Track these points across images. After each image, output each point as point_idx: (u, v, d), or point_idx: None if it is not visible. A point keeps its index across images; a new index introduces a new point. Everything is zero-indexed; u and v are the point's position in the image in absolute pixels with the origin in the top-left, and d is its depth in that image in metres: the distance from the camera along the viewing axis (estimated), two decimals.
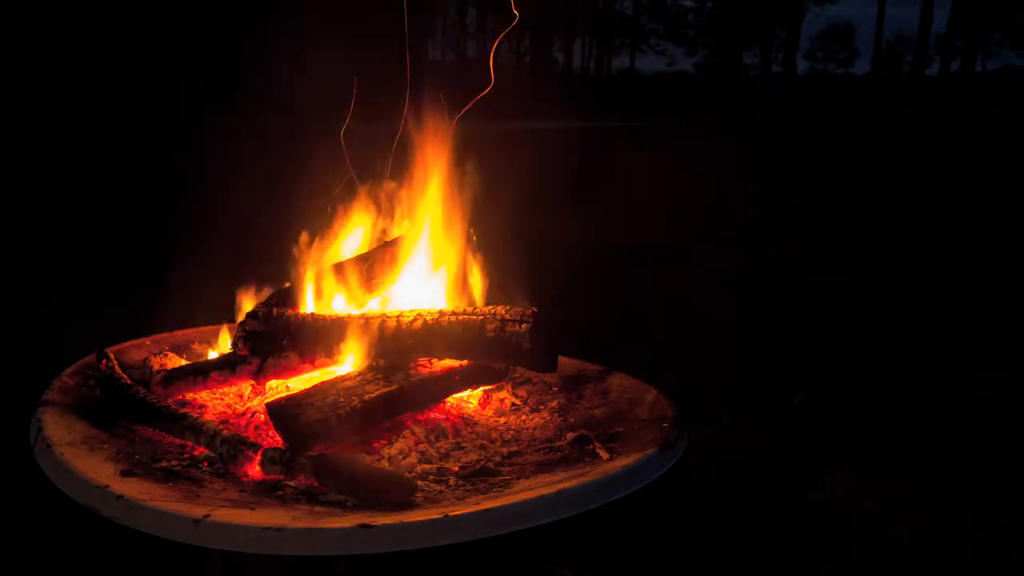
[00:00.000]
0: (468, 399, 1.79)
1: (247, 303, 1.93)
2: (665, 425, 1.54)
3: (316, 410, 1.45)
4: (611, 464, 1.40)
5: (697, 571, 2.03)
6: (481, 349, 1.61)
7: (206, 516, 1.19)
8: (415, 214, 1.96)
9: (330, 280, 1.89)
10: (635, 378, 1.84)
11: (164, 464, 1.44)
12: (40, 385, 1.69)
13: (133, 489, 1.28)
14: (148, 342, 2.04)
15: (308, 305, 1.89)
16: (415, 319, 1.66)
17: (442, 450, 1.54)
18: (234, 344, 1.85)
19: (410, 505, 1.28)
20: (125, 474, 1.35)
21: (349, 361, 1.71)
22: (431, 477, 1.42)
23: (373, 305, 1.93)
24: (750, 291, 4.54)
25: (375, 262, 1.91)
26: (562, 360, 1.71)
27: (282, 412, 1.45)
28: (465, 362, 1.70)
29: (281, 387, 1.77)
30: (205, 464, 1.46)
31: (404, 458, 1.48)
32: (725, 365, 3.33)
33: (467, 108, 1.88)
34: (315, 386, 1.57)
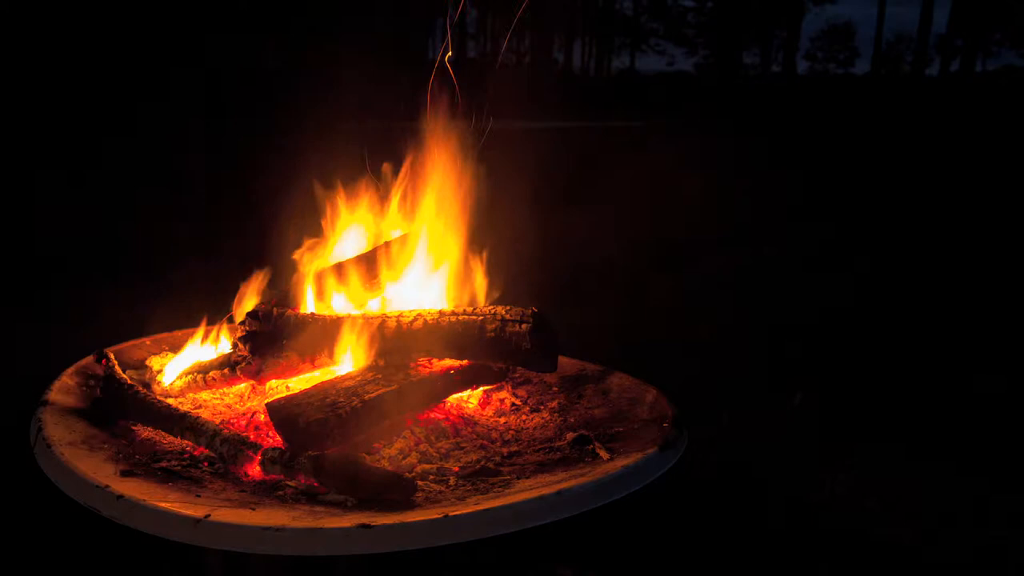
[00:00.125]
0: (468, 399, 1.79)
1: (247, 303, 1.93)
2: (665, 425, 1.54)
3: (316, 410, 1.45)
4: (611, 464, 1.40)
5: (697, 571, 2.03)
6: (481, 349, 1.61)
7: (206, 516, 1.19)
8: (415, 213, 1.96)
9: (330, 280, 1.89)
10: (635, 378, 1.84)
11: (164, 464, 1.44)
12: (40, 385, 1.70)
13: (133, 489, 1.28)
14: (148, 342, 2.04)
15: (308, 305, 1.89)
16: (415, 319, 1.66)
17: (442, 450, 1.54)
18: (234, 344, 1.85)
19: (410, 505, 1.28)
20: (125, 474, 1.35)
21: (349, 361, 1.70)
22: (431, 477, 1.42)
23: (373, 305, 1.93)
24: (750, 290, 4.54)
25: (377, 260, 1.91)
26: (562, 360, 1.71)
27: (282, 412, 1.45)
28: (465, 362, 1.70)
29: (281, 387, 1.77)
30: (205, 464, 1.46)
31: (404, 458, 1.48)
32: (725, 365, 3.34)
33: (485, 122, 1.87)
34: (315, 386, 1.57)
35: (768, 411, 2.94)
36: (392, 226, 2.00)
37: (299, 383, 1.76)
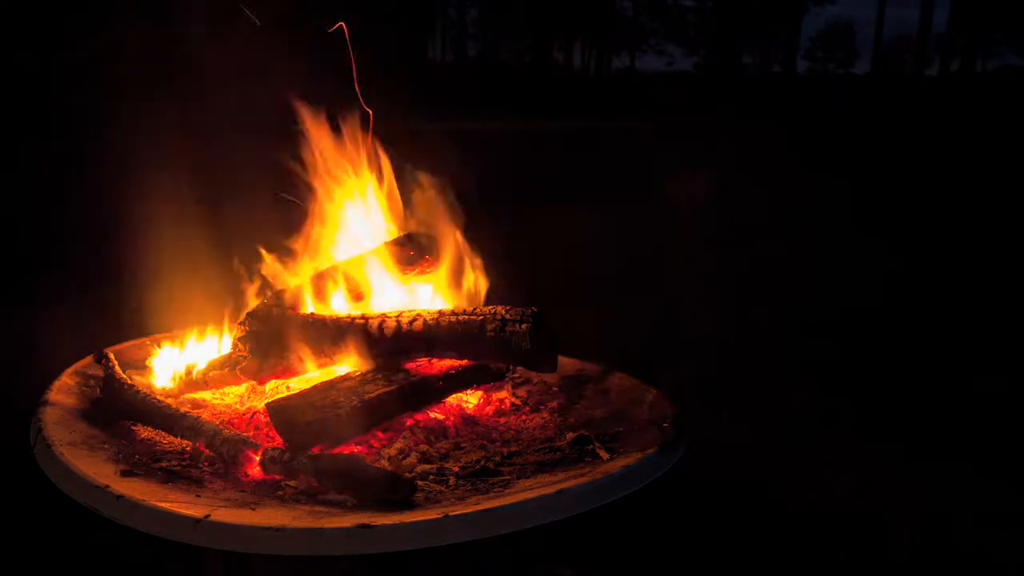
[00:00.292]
0: (468, 399, 1.79)
1: (247, 303, 1.93)
2: (665, 425, 1.54)
3: (316, 410, 1.45)
4: (611, 464, 1.40)
5: (697, 571, 2.03)
6: (481, 349, 1.61)
7: (206, 516, 1.19)
8: (415, 214, 1.96)
9: (331, 280, 1.88)
10: (635, 378, 1.84)
11: (164, 464, 1.44)
12: (40, 385, 1.70)
13: (133, 489, 1.28)
14: (148, 342, 2.04)
15: (308, 305, 1.89)
16: (415, 319, 1.66)
17: (442, 450, 1.54)
18: (234, 344, 1.85)
19: (410, 505, 1.28)
20: (125, 474, 1.35)
21: (349, 361, 1.70)
22: (431, 477, 1.42)
23: (374, 305, 1.93)
24: (749, 291, 4.54)
25: (371, 264, 1.91)
26: (562, 360, 1.71)
27: (282, 412, 1.45)
28: (465, 362, 1.70)
29: (281, 387, 1.77)
30: (205, 464, 1.46)
31: (404, 458, 1.48)
32: (725, 365, 3.34)
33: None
34: (315, 386, 1.57)
35: (768, 411, 2.94)
36: (390, 226, 2.00)
37: (299, 383, 1.76)
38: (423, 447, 1.52)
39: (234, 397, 1.78)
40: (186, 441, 1.54)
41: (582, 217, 5.65)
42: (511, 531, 1.22)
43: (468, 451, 1.55)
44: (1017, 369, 3.41)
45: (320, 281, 1.89)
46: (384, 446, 1.52)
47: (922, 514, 2.27)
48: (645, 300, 4.17)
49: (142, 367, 1.91)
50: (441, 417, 1.66)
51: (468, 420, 1.69)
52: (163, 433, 1.58)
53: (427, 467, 1.45)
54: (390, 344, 1.66)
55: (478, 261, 1.89)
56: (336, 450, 1.47)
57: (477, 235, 1.91)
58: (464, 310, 1.65)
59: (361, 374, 1.62)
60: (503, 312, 1.59)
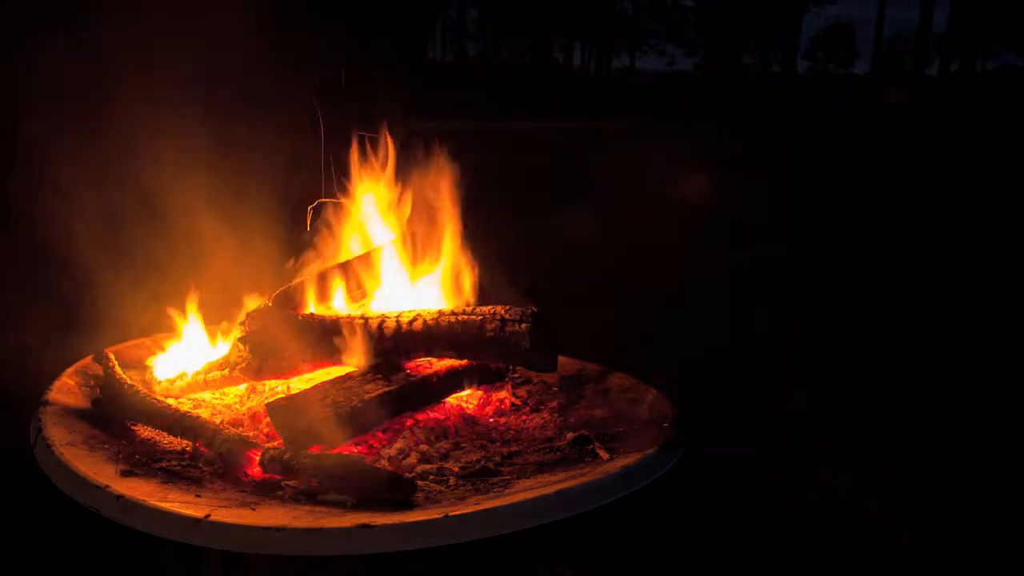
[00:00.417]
0: (468, 399, 1.78)
1: (247, 303, 1.93)
2: (665, 425, 1.54)
3: (316, 410, 1.45)
4: (611, 464, 1.40)
5: (697, 571, 2.03)
6: (481, 349, 1.61)
7: (206, 516, 1.19)
8: (408, 216, 1.96)
9: (331, 280, 1.89)
10: (635, 378, 1.83)
11: (164, 464, 1.44)
12: (40, 385, 1.69)
13: (133, 489, 1.28)
14: (148, 342, 2.04)
15: (308, 305, 1.89)
16: (415, 319, 1.66)
17: (442, 450, 1.54)
18: (234, 344, 1.85)
19: (410, 505, 1.28)
20: (125, 474, 1.35)
21: (349, 361, 1.70)
22: (431, 477, 1.42)
23: (373, 305, 1.93)
24: (750, 290, 4.54)
25: (361, 267, 1.91)
26: (562, 360, 1.71)
27: (282, 412, 1.45)
28: (465, 362, 1.70)
29: (281, 387, 1.77)
30: (205, 464, 1.46)
31: (404, 458, 1.48)
32: (725, 365, 3.34)
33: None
34: (315, 386, 1.57)
35: (768, 411, 2.94)
36: (389, 226, 2.01)
37: (299, 383, 1.76)
38: (423, 447, 1.52)
39: (234, 397, 1.78)
40: (186, 441, 1.54)
41: (582, 217, 5.65)
42: (511, 531, 1.22)
43: (468, 451, 1.55)
44: (1017, 369, 3.41)
45: (320, 281, 1.89)
46: (384, 446, 1.52)
47: (922, 514, 2.27)
48: (645, 300, 4.18)
49: (142, 367, 1.91)
50: (441, 417, 1.66)
51: (468, 420, 1.69)
52: (163, 433, 1.58)
53: (427, 467, 1.45)
54: (390, 344, 1.66)
55: (478, 261, 1.89)
56: (336, 450, 1.47)
57: (477, 235, 1.91)
58: (464, 310, 1.65)
59: (361, 374, 1.62)
60: (503, 312, 1.59)
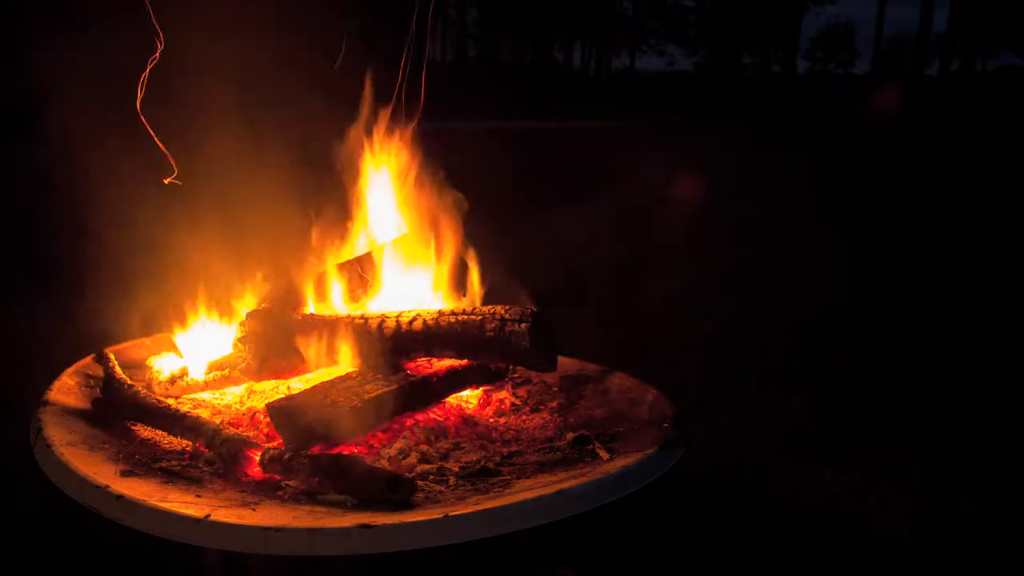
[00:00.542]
0: (468, 399, 1.79)
1: (248, 304, 1.93)
2: (665, 425, 1.54)
3: (316, 410, 1.45)
4: (611, 464, 1.40)
5: (697, 571, 2.03)
6: (481, 349, 1.61)
7: (206, 516, 1.19)
8: (409, 215, 1.96)
9: (330, 280, 1.89)
10: (635, 378, 1.83)
11: (164, 464, 1.44)
12: (40, 385, 1.69)
13: (133, 489, 1.28)
14: (148, 342, 2.04)
15: (308, 305, 1.89)
16: (415, 319, 1.66)
17: (442, 450, 1.54)
18: (234, 344, 1.85)
19: (410, 505, 1.28)
20: (125, 474, 1.35)
21: (349, 361, 1.70)
22: (431, 477, 1.42)
23: (373, 305, 1.93)
24: (749, 290, 4.54)
25: (374, 263, 1.91)
26: (562, 360, 1.71)
27: (282, 412, 1.45)
28: (465, 362, 1.70)
29: (281, 387, 1.77)
30: (205, 464, 1.46)
31: (404, 458, 1.48)
32: (725, 365, 3.34)
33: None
34: (315, 386, 1.57)
35: (768, 411, 2.94)
36: (389, 227, 2.01)
37: (299, 383, 1.76)
38: (423, 447, 1.52)
39: (234, 397, 1.78)
40: (186, 441, 1.54)
41: (582, 216, 5.65)
42: (511, 531, 1.22)
43: (468, 451, 1.55)
44: (1017, 369, 3.41)
45: (320, 281, 1.89)
46: (384, 446, 1.52)
47: (922, 514, 2.27)
48: (645, 300, 4.18)
49: (142, 367, 1.91)
50: (441, 417, 1.66)
51: (468, 420, 1.69)
52: (163, 433, 1.58)
53: (427, 467, 1.45)
54: (390, 344, 1.66)
55: (478, 261, 1.89)
56: (336, 450, 1.47)
57: (477, 234, 1.91)
58: (463, 310, 1.65)
59: (361, 374, 1.62)
60: (502, 312, 1.59)
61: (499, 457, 1.53)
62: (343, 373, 1.66)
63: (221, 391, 1.81)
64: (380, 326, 1.68)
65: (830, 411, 2.95)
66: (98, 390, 1.70)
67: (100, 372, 1.75)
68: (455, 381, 1.72)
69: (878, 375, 3.33)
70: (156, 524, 1.21)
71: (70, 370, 1.79)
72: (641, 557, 2.03)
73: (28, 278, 3.79)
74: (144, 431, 1.60)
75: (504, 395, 1.82)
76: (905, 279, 4.87)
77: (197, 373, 1.84)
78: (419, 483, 1.37)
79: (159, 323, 2.14)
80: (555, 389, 1.88)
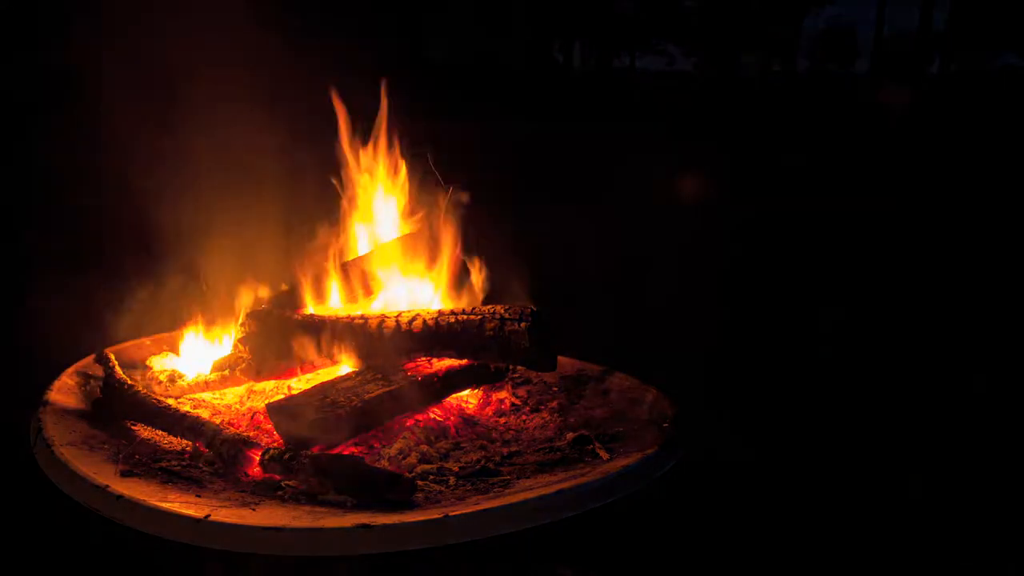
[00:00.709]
0: (468, 399, 1.79)
1: (248, 304, 1.93)
2: (665, 425, 1.54)
3: (316, 410, 1.45)
4: (611, 464, 1.40)
5: (697, 571, 2.03)
6: (481, 348, 1.61)
7: (206, 516, 1.19)
8: (410, 216, 1.97)
9: (330, 281, 1.89)
10: (635, 378, 1.84)
11: (164, 464, 1.44)
12: (40, 385, 1.70)
13: (133, 489, 1.28)
14: (148, 342, 2.04)
15: (308, 306, 1.89)
16: (415, 319, 1.66)
17: (442, 450, 1.54)
18: (234, 344, 1.85)
19: (410, 505, 1.28)
20: (125, 474, 1.35)
21: (349, 361, 1.70)
22: (431, 477, 1.42)
23: (372, 305, 1.93)
24: (749, 290, 4.54)
25: (372, 264, 1.91)
26: (562, 360, 1.71)
27: (282, 412, 1.46)
28: (465, 362, 1.70)
29: (281, 387, 1.77)
30: (205, 464, 1.46)
31: (404, 458, 1.48)
32: (725, 365, 3.34)
33: None
34: (315, 386, 1.57)
35: (768, 411, 2.94)
36: (390, 228, 2.01)
37: (299, 383, 1.77)
38: (423, 447, 1.52)
39: (234, 397, 1.78)
40: (186, 441, 1.54)
41: (582, 216, 5.65)
42: (511, 531, 1.22)
43: (468, 451, 1.55)
44: (1017, 368, 3.41)
45: (320, 282, 1.89)
46: (384, 446, 1.52)
47: (922, 514, 2.27)
48: (645, 300, 4.18)
49: (142, 367, 1.91)
50: (441, 417, 1.66)
51: (468, 420, 1.69)
52: (163, 433, 1.58)
53: (427, 467, 1.45)
54: (389, 344, 1.66)
55: (478, 261, 1.89)
56: (336, 450, 1.47)
57: (476, 234, 1.91)
58: (463, 310, 1.65)
59: (361, 374, 1.62)
60: (502, 312, 1.59)
61: (499, 457, 1.53)
62: (343, 373, 1.67)
63: (221, 391, 1.81)
64: (380, 326, 1.68)
65: (830, 410, 2.95)
66: (98, 390, 1.71)
67: (100, 372, 1.75)
68: (455, 381, 1.72)
69: (879, 374, 3.33)
70: (156, 524, 1.21)
71: (70, 370, 1.79)
72: (641, 557, 2.03)
73: (29, 277, 3.79)
74: (144, 431, 1.60)
75: (504, 395, 1.82)
76: (905, 278, 4.87)
77: (197, 373, 1.84)
78: (419, 483, 1.37)
79: (159, 323, 2.14)
80: (555, 389, 1.88)
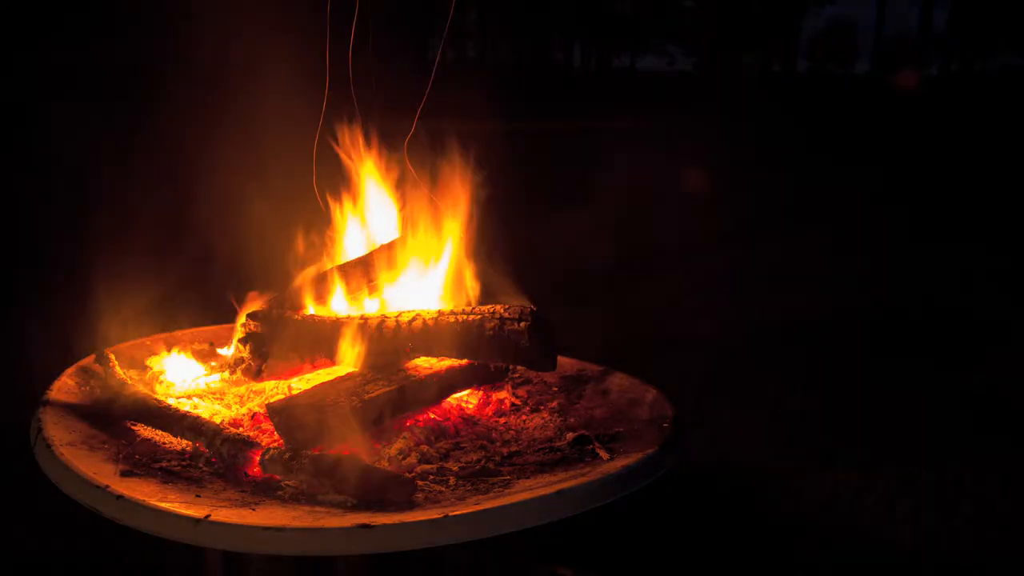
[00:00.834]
0: (468, 399, 1.79)
1: (248, 304, 1.93)
2: (665, 425, 1.54)
3: (316, 410, 1.45)
4: (611, 464, 1.40)
5: (697, 571, 2.03)
6: (480, 348, 1.61)
7: (206, 516, 1.19)
8: (412, 215, 1.96)
9: (330, 281, 1.89)
10: (635, 378, 1.84)
11: (164, 464, 1.44)
12: (40, 385, 1.70)
13: (133, 489, 1.28)
14: (148, 342, 2.04)
15: (308, 306, 1.89)
16: (414, 319, 1.66)
17: (442, 450, 1.54)
18: (235, 345, 1.85)
19: (410, 505, 1.28)
20: (125, 474, 1.35)
21: (349, 361, 1.70)
22: (431, 477, 1.42)
23: (372, 306, 1.93)
24: (750, 289, 4.54)
25: (374, 264, 1.92)
26: (562, 360, 1.71)
27: (282, 412, 1.45)
28: (465, 362, 1.70)
29: (281, 387, 1.77)
30: (205, 464, 1.46)
31: (404, 458, 1.48)
32: (725, 364, 3.34)
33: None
34: (315, 386, 1.57)
35: (768, 411, 2.94)
36: (390, 228, 2.01)
37: (299, 383, 1.77)
38: (423, 447, 1.52)
39: (234, 397, 1.78)
40: (186, 441, 1.54)
41: (581, 216, 5.65)
42: (511, 531, 1.22)
43: (468, 451, 1.54)
44: (1016, 369, 3.41)
45: (320, 282, 1.89)
46: (384, 446, 1.52)
47: (923, 513, 2.27)
48: (645, 300, 4.18)
49: (142, 367, 1.91)
50: (441, 417, 1.66)
51: (468, 420, 1.69)
52: (163, 433, 1.58)
53: (427, 467, 1.45)
54: (389, 344, 1.66)
55: (477, 260, 1.89)
56: (336, 450, 1.47)
57: (476, 234, 1.91)
58: (463, 310, 1.65)
59: (361, 374, 1.62)
60: (502, 311, 1.59)
61: (499, 457, 1.52)
62: (343, 373, 1.67)
63: (221, 391, 1.81)
64: (380, 326, 1.68)
65: (831, 411, 2.95)
66: (98, 390, 1.70)
67: (100, 372, 1.75)
68: (455, 381, 1.71)
69: (879, 373, 3.33)
70: (156, 524, 1.21)
71: (70, 370, 1.79)
72: (641, 557, 2.03)
73: (28, 278, 3.79)
74: (144, 431, 1.59)
75: (504, 395, 1.82)
76: (905, 278, 4.87)
77: (197, 373, 1.84)
78: (419, 483, 1.37)
79: (158, 323, 2.14)
80: (555, 389, 1.88)
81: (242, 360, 1.80)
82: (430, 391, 1.67)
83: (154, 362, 1.93)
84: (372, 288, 1.92)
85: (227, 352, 1.92)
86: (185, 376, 1.83)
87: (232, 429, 1.53)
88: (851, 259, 5.26)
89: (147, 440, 1.56)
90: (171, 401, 1.69)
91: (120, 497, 1.24)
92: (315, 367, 1.78)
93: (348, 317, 1.75)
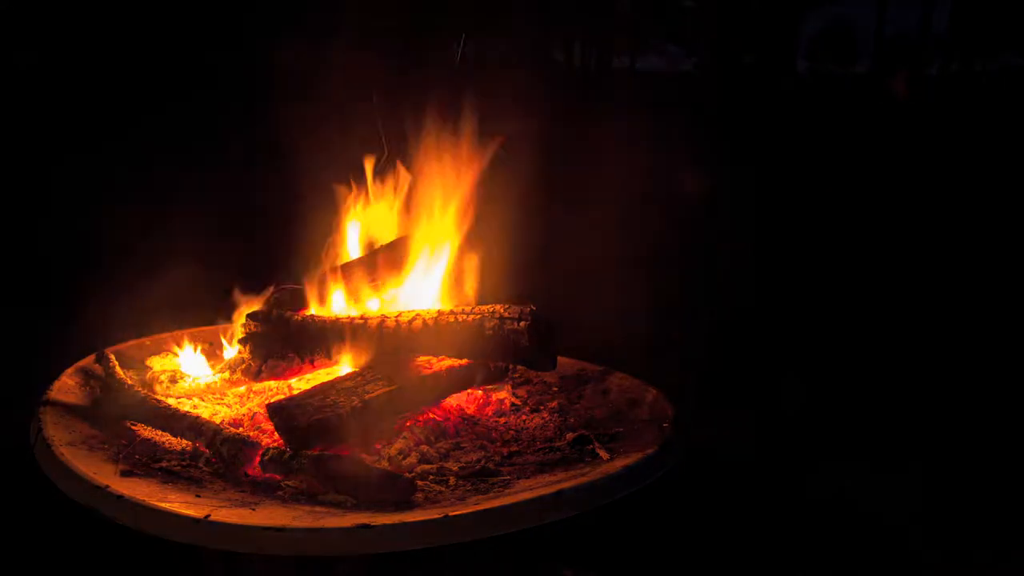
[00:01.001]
0: (468, 399, 1.79)
1: (248, 304, 1.93)
2: (665, 425, 1.54)
3: (316, 410, 1.45)
4: (611, 464, 1.40)
5: (697, 571, 2.03)
6: (480, 348, 1.61)
7: (206, 516, 1.19)
8: (415, 215, 1.96)
9: (331, 281, 1.89)
10: (635, 378, 1.84)
11: (164, 464, 1.44)
12: (40, 385, 1.70)
13: (133, 489, 1.28)
14: (148, 342, 2.04)
15: (308, 306, 1.89)
16: (414, 319, 1.66)
17: (442, 450, 1.54)
18: (235, 345, 1.85)
19: (410, 505, 1.28)
20: (125, 474, 1.35)
21: (349, 361, 1.70)
22: (431, 477, 1.42)
23: (373, 306, 1.93)
24: (749, 289, 4.54)
25: (378, 263, 1.91)
26: (562, 360, 1.71)
27: (282, 412, 1.45)
28: (465, 361, 1.70)
29: (281, 387, 1.77)
30: (205, 464, 1.46)
31: (404, 458, 1.48)
32: (725, 364, 3.34)
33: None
34: (315, 386, 1.57)
35: (769, 410, 2.94)
36: (392, 228, 2.01)
37: (299, 383, 1.77)
38: (423, 447, 1.52)
39: (234, 397, 1.78)
40: (186, 441, 1.54)
41: (581, 216, 5.65)
42: (511, 531, 1.22)
43: (468, 451, 1.55)
44: (1016, 368, 3.41)
45: (320, 283, 1.89)
46: (384, 446, 1.52)
47: (923, 513, 2.27)
48: (645, 300, 4.17)
49: (142, 367, 1.91)
50: (441, 417, 1.66)
51: (468, 420, 1.69)
52: (163, 433, 1.58)
53: (427, 467, 1.45)
54: (390, 344, 1.66)
55: (477, 261, 1.89)
56: (336, 450, 1.47)
57: (476, 235, 1.91)
58: (463, 310, 1.65)
59: (361, 374, 1.62)
60: (502, 311, 1.59)
61: (499, 457, 1.53)
62: (343, 373, 1.67)
63: (221, 391, 1.81)
64: (380, 326, 1.68)
65: (831, 410, 2.95)
66: (98, 390, 1.71)
67: (100, 372, 1.75)
68: (455, 381, 1.71)
69: (879, 373, 3.33)
70: (156, 524, 1.21)
71: (70, 370, 1.79)
72: (641, 557, 2.03)
73: (28, 278, 3.79)
74: (144, 431, 1.59)
75: (504, 395, 1.82)
76: (904, 277, 4.86)
77: (198, 373, 1.84)
78: (419, 483, 1.37)
79: (158, 323, 2.14)
80: (555, 389, 1.89)
81: (242, 360, 1.80)
82: (430, 391, 1.67)
83: (154, 362, 1.93)
84: (377, 288, 1.92)
85: (227, 352, 1.92)
86: (185, 376, 1.83)
87: (232, 429, 1.54)
88: (851, 259, 5.25)
89: (147, 440, 1.56)
90: (171, 401, 1.69)
91: (120, 497, 1.24)
92: (315, 367, 1.78)
93: (348, 317, 1.75)
